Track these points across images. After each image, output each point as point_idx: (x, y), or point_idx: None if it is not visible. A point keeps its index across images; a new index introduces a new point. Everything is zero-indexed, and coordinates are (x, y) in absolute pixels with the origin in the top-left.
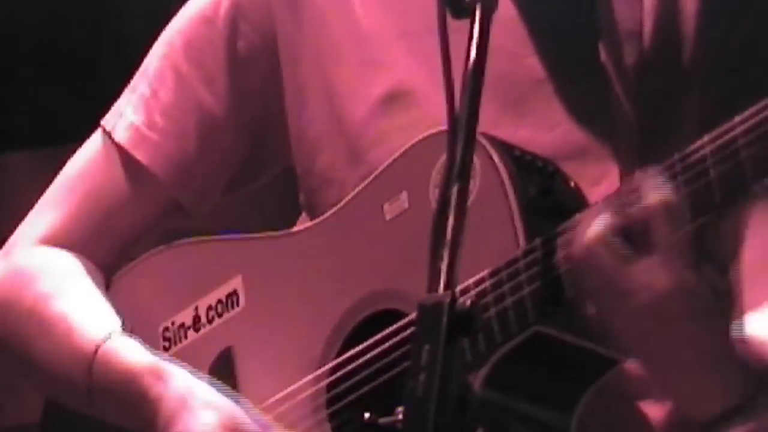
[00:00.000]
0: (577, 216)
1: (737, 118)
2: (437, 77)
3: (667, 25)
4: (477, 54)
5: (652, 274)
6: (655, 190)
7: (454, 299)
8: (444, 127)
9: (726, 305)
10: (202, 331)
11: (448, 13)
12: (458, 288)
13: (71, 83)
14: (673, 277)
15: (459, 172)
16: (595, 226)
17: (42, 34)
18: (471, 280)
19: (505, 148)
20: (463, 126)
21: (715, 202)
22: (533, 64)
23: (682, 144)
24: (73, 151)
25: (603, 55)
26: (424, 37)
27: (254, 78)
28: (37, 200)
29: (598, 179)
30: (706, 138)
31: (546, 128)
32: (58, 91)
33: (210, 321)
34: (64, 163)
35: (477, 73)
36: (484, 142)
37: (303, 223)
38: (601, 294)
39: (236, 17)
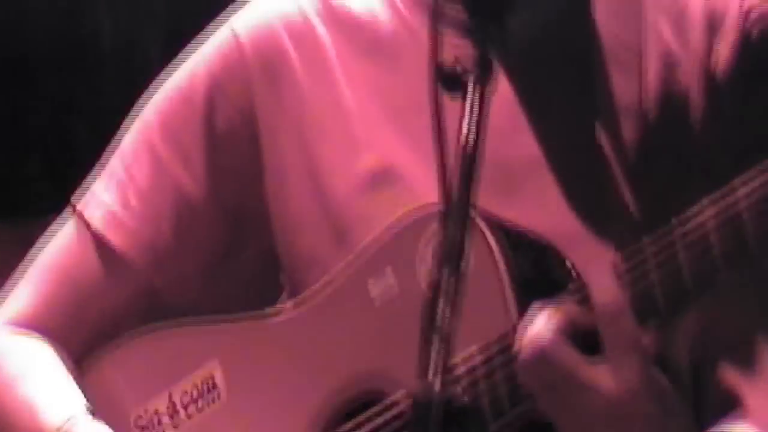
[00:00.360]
0: (536, 308)
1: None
2: (424, 156)
3: (668, 105)
4: (472, 131)
5: (599, 377)
6: (604, 288)
7: (449, 397)
8: (430, 201)
9: (680, 408)
10: (181, 426)
11: (441, 89)
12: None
13: (43, 156)
14: (622, 381)
15: (452, 256)
16: (543, 324)
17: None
18: (459, 357)
19: (498, 224)
20: (457, 207)
21: (659, 307)
22: (526, 142)
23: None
24: (44, 226)
25: (601, 133)
26: (410, 115)
27: (233, 157)
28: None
29: (590, 266)
30: (646, 240)
31: (537, 210)
32: (29, 165)
33: (186, 409)
34: (32, 237)
35: (473, 151)
36: (474, 215)
37: (284, 302)
38: (546, 393)
39: (214, 94)
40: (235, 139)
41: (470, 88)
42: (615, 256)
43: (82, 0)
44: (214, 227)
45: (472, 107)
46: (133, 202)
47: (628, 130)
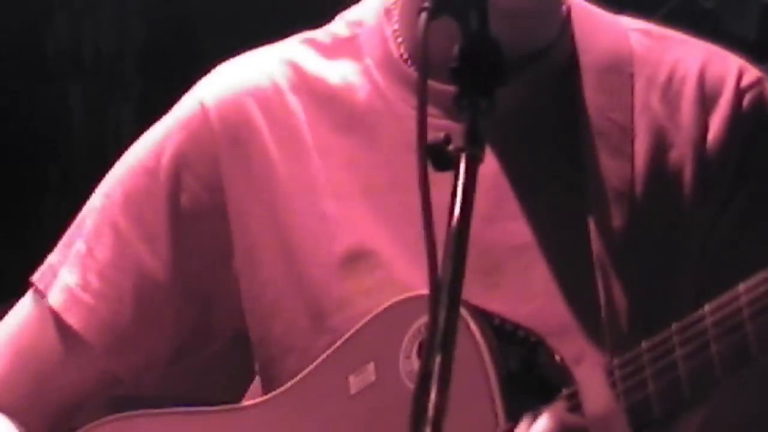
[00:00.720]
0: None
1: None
2: (403, 237)
3: (659, 187)
4: (462, 210)
5: None
6: (598, 396)
7: None
8: (414, 292)
9: None
10: None
11: (429, 165)
12: None
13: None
14: None
15: (442, 341)
16: None
17: None
18: None
19: (485, 317)
20: (446, 291)
21: (654, 417)
22: (512, 229)
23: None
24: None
25: (589, 218)
26: (388, 195)
27: (200, 235)
28: None
29: (578, 359)
30: (644, 345)
31: (522, 301)
32: None
33: None
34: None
35: (462, 232)
36: (461, 309)
37: (255, 393)
38: None
39: (180, 168)
40: (201, 217)
41: (462, 166)
42: (609, 362)
43: (49, 68)
44: (179, 309)
45: (463, 185)
46: (93, 280)
47: (618, 216)
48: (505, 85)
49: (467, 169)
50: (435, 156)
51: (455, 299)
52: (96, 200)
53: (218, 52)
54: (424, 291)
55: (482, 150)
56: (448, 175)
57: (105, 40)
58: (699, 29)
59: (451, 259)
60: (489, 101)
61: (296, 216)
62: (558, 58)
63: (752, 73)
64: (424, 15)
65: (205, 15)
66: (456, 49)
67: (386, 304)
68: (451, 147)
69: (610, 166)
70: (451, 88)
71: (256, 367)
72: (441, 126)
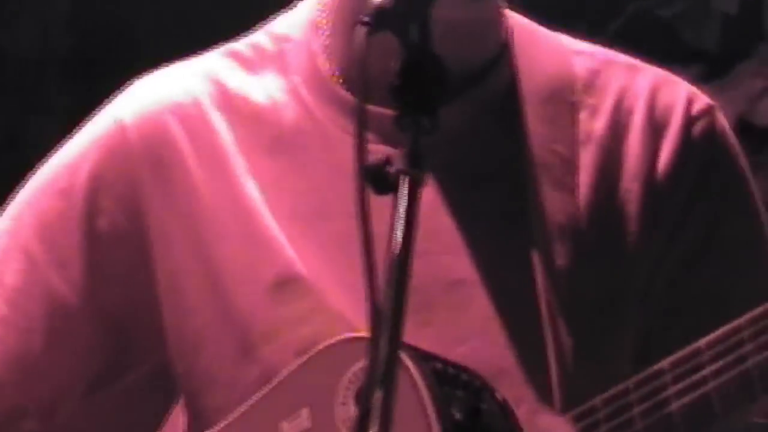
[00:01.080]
0: None
1: (666, 363)
2: (333, 264)
3: (605, 222)
4: (404, 236)
5: None
6: None
7: None
8: (352, 334)
9: None
10: None
11: (369, 189)
12: None
13: None
14: None
15: (383, 377)
16: None
17: None
18: None
19: (425, 359)
20: (387, 323)
21: None
22: (446, 263)
23: (617, 369)
24: None
25: (532, 254)
26: (317, 220)
27: (118, 261)
28: None
29: (515, 404)
30: (599, 401)
31: (455, 341)
32: None
33: None
34: None
35: (404, 260)
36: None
37: (175, 426)
38: None
39: (96, 190)
40: (119, 241)
41: (402, 189)
42: (562, 416)
43: None
44: (94, 339)
45: (405, 210)
46: (2, 308)
47: (562, 253)
48: (448, 104)
49: (410, 193)
50: (375, 179)
51: (397, 331)
52: (2, 224)
53: (153, 62)
54: (363, 333)
55: (425, 172)
56: (382, 202)
57: (26, 48)
58: (656, 41)
59: (392, 288)
60: (432, 120)
61: (222, 241)
62: (498, 81)
63: (702, 100)
64: (362, 30)
65: (139, 21)
66: (395, 64)
67: (322, 346)
68: (391, 169)
69: (553, 200)
70: (386, 111)
71: (180, 403)
72: (376, 151)
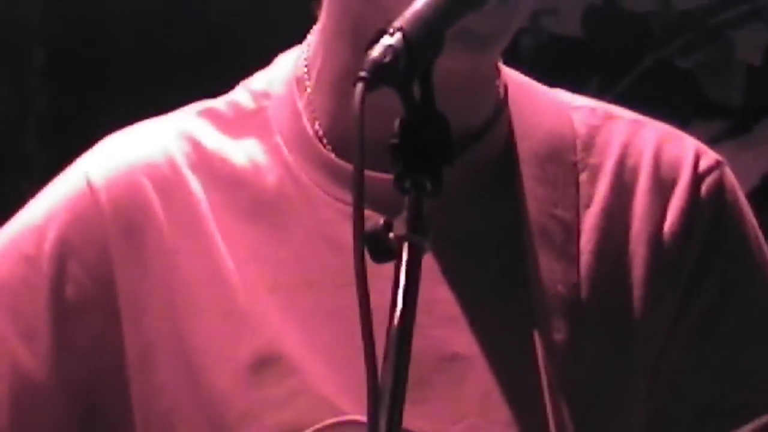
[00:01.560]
0: None
1: None
2: (316, 340)
3: (608, 292)
4: (404, 307)
5: None
6: None
7: None
8: (345, 417)
9: None
10: None
11: (368, 256)
12: None
13: None
14: None
15: None
16: None
17: None
18: None
19: None
20: (387, 404)
21: None
22: (441, 337)
23: None
24: None
25: (532, 328)
26: (299, 292)
27: (86, 332)
28: None
29: None
30: None
31: (451, 419)
32: None
33: None
34: None
35: (404, 332)
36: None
37: None
38: None
39: (64, 256)
40: (88, 311)
41: (404, 256)
42: None
43: None
44: (61, 414)
45: (407, 279)
46: None
47: (563, 326)
48: (451, 165)
49: (410, 260)
50: (373, 246)
51: (398, 411)
52: None
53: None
54: (351, 416)
55: (427, 238)
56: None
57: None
58: (675, 94)
59: (392, 364)
60: (435, 182)
61: (197, 314)
62: (495, 142)
63: (710, 156)
64: (360, 86)
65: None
66: (396, 123)
67: (311, 430)
68: (391, 235)
69: (553, 270)
70: (377, 175)
71: None
72: (368, 218)
